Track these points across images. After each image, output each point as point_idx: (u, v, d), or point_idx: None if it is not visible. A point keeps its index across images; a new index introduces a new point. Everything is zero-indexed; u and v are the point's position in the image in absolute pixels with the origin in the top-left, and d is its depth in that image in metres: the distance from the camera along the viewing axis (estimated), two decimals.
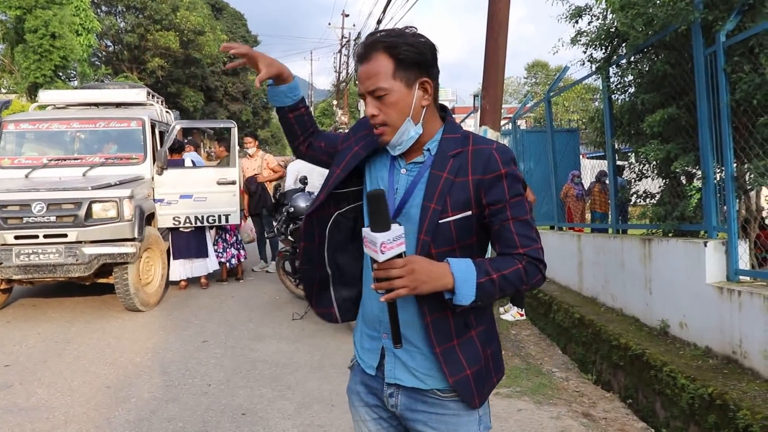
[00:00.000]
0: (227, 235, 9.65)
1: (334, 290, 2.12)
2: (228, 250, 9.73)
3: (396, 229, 1.66)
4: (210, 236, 9.35)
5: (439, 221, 1.81)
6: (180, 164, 9.32)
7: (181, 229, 9.03)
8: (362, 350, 2.05)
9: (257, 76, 2.01)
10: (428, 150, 1.90)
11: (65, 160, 8.68)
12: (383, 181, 1.95)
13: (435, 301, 1.80)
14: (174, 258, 9.15)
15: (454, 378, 1.86)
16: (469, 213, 1.83)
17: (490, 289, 1.75)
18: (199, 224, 8.94)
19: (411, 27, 1.86)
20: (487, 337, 1.96)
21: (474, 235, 1.88)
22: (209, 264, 9.35)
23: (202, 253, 9.22)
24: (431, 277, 1.69)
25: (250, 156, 10.93)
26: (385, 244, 1.64)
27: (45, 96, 10.22)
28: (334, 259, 2.08)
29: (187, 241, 9.07)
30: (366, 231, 1.69)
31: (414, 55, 1.83)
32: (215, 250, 9.59)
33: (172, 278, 9.15)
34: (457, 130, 1.93)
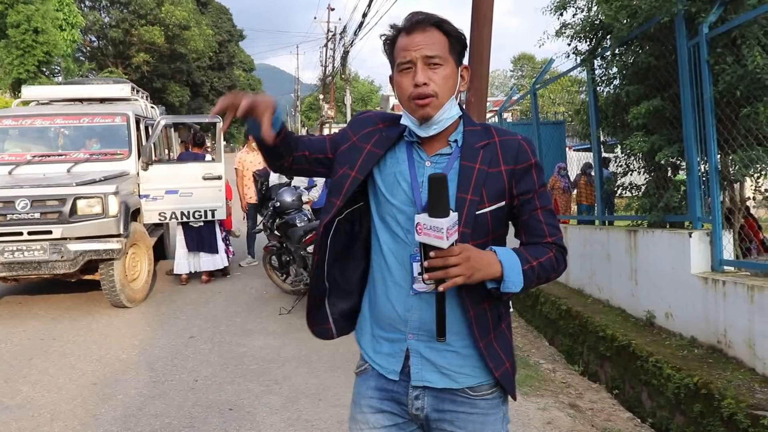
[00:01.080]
0: (218, 230, 9.61)
1: (329, 304, 2.06)
2: None
3: (453, 216, 1.62)
4: (219, 232, 9.34)
5: (477, 212, 1.80)
6: (201, 158, 9.39)
7: (191, 223, 9.04)
8: (378, 355, 1.95)
9: (263, 130, 1.77)
10: (455, 141, 1.88)
11: (49, 156, 8.60)
12: (403, 176, 1.88)
13: (476, 294, 1.79)
14: (188, 251, 9.18)
15: (498, 372, 1.86)
16: (504, 203, 1.84)
17: (531, 276, 1.76)
18: (185, 219, 8.91)
19: None
20: (511, 329, 1.98)
21: (505, 226, 1.90)
22: (217, 260, 9.35)
23: (213, 249, 9.23)
24: (483, 264, 1.68)
25: (254, 149, 10.77)
26: (450, 229, 1.60)
27: (28, 92, 10.12)
28: (332, 271, 2.02)
29: (199, 235, 9.10)
30: (423, 218, 1.61)
31: (461, 39, 1.85)
32: None
33: (176, 272, 9.23)
34: (476, 123, 1.93)
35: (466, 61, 1.91)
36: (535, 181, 1.85)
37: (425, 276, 1.67)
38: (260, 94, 1.85)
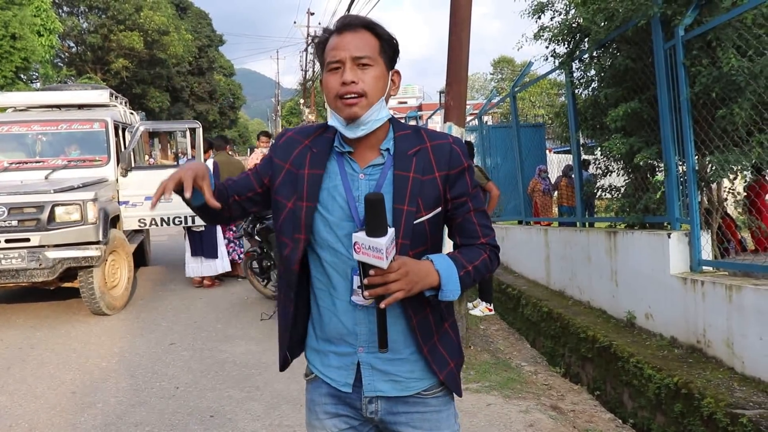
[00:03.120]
0: (220, 235, 9.53)
1: (291, 334, 1.99)
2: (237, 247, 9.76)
3: (391, 232, 1.61)
4: (221, 236, 9.34)
5: (414, 222, 1.78)
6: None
7: (193, 228, 9.02)
8: (327, 368, 1.92)
9: (207, 199, 1.74)
10: (387, 150, 1.84)
11: (27, 163, 8.53)
12: (338, 190, 1.82)
13: (417, 302, 1.79)
14: (192, 255, 9.21)
15: (443, 374, 1.88)
16: (440, 209, 1.83)
17: (467, 281, 1.79)
18: (165, 225, 8.87)
19: None
20: (455, 327, 1.98)
21: (441, 230, 1.90)
22: (218, 264, 9.32)
23: (211, 254, 9.21)
24: (421, 276, 1.69)
25: (265, 143, 11.69)
26: (388, 248, 1.59)
27: (4, 98, 10.01)
28: (297, 300, 1.95)
29: (200, 239, 9.11)
30: (361, 237, 1.60)
31: (392, 43, 1.83)
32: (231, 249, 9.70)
33: (187, 275, 9.34)
34: (406, 127, 1.90)
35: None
36: (468, 184, 1.87)
37: (366, 293, 1.66)
38: (191, 164, 1.80)
